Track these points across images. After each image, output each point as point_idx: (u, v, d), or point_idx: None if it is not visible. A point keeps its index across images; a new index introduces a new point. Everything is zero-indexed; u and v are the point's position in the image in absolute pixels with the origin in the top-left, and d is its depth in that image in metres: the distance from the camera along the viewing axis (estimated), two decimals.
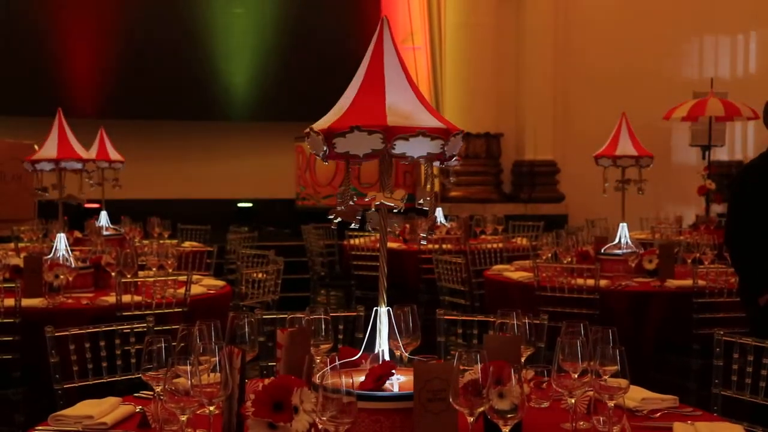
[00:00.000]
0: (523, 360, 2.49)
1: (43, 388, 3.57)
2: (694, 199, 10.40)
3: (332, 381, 1.93)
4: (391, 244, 7.38)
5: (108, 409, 2.47)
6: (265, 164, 12.13)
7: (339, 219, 2.34)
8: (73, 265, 4.90)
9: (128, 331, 3.43)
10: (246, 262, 6.52)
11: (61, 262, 4.90)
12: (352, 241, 7.81)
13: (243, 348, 2.21)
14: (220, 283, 5.36)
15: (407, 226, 7.56)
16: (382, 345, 2.35)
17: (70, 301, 4.53)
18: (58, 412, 2.48)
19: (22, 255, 5.34)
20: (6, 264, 4.90)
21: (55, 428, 2.40)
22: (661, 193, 10.26)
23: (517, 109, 12.42)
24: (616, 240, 5.73)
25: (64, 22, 11.89)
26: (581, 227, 9.15)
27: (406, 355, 2.44)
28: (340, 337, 3.60)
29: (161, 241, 7.14)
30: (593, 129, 8.54)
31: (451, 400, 2.03)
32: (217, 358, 2.13)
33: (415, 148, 2.27)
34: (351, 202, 2.33)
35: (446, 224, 8.12)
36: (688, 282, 5.10)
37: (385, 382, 2.20)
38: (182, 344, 2.35)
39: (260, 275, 5.82)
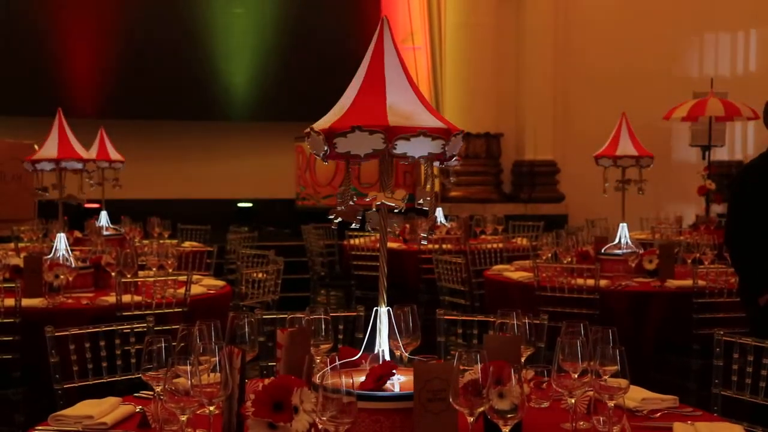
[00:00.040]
0: (523, 360, 2.49)
1: (43, 388, 3.57)
2: (694, 199, 10.40)
3: (332, 381, 1.93)
4: (391, 244, 7.38)
5: (108, 409, 2.47)
6: (265, 164, 12.13)
7: (339, 219, 2.34)
8: (73, 265, 4.90)
9: (128, 331, 3.43)
10: (246, 262, 6.52)
11: (61, 262, 4.90)
12: (352, 241, 7.81)
13: (243, 348, 2.21)
14: (220, 283, 5.36)
15: (407, 226, 7.56)
16: (382, 345, 2.36)
17: (70, 301, 4.53)
18: (58, 412, 2.48)
19: (22, 255, 5.34)
20: (6, 264, 4.90)
21: (55, 428, 2.40)
22: (661, 193, 10.25)
23: (517, 109, 12.42)
24: (616, 240, 5.73)
25: (64, 22, 11.89)
26: (581, 227, 9.15)
27: (406, 355, 2.44)
28: (340, 337, 3.60)
29: (161, 241, 7.14)
30: (593, 129, 8.54)
31: (451, 400, 2.03)
32: (217, 358, 2.13)
33: (417, 148, 2.28)
34: (351, 202, 2.33)
35: (446, 224, 8.12)
36: (688, 282, 5.09)
37: (385, 382, 2.20)
38: (182, 344, 2.35)
39: (260, 275, 5.82)
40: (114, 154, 7.27)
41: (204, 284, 5.15)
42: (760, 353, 3.14)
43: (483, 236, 8.22)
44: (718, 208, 9.83)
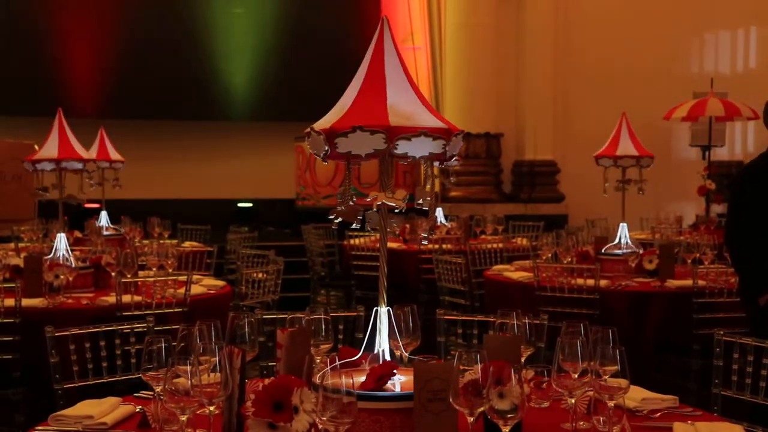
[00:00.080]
0: (523, 360, 2.49)
1: (43, 388, 3.57)
2: (694, 199, 10.40)
3: (332, 381, 1.93)
4: (391, 244, 7.38)
5: (108, 409, 2.47)
6: (265, 164, 12.13)
7: (339, 219, 2.34)
8: (73, 265, 4.90)
9: (128, 331, 3.43)
10: (246, 262, 6.52)
11: (61, 262, 4.90)
12: (352, 241, 7.81)
13: (243, 348, 2.21)
14: (220, 283, 5.36)
15: (407, 226, 7.55)
16: (382, 345, 2.36)
17: (70, 301, 4.53)
18: (58, 412, 2.48)
19: (22, 255, 5.34)
20: (6, 264, 4.90)
21: (55, 428, 2.40)
22: (661, 193, 10.25)
23: (517, 109, 12.42)
24: (616, 240, 5.73)
25: (64, 22, 11.88)
26: (581, 227, 9.15)
27: (406, 355, 2.44)
28: (340, 337, 3.60)
29: (161, 241, 7.14)
30: (593, 129, 8.54)
31: (451, 400, 2.03)
32: (217, 358, 2.13)
33: (417, 148, 2.28)
34: (351, 202, 2.33)
35: (446, 224, 8.12)
36: (688, 282, 5.09)
37: (386, 382, 2.20)
38: (182, 344, 2.35)
39: (260, 275, 5.82)
40: (114, 154, 7.27)
41: (204, 284, 5.15)
42: (760, 353, 3.14)
43: (483, 236, 8.21)
44: (718, 208, 9.83)
